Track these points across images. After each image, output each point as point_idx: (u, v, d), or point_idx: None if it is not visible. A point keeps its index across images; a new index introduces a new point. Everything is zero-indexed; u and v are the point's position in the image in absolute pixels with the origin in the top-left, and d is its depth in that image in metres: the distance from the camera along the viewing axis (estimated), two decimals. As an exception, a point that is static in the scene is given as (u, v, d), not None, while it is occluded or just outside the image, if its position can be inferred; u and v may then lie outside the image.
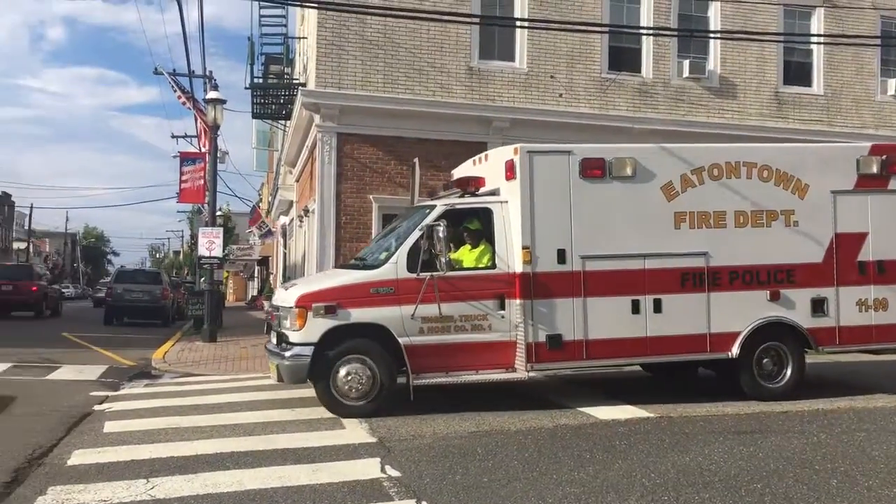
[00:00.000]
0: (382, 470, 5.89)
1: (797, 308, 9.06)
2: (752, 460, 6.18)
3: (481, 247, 8.71)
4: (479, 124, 15.55)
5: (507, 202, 8.69)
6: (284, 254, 28.58)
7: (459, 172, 10.24)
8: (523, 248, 8.43)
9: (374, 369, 8.06)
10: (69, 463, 6.13)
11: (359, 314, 8.10)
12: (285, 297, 8.55)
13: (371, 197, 15.20)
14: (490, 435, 7.20)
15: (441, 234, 8.08)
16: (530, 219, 8.47)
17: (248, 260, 41.21)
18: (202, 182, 22.24)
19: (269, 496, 5.23)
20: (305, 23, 19.10)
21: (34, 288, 27.42)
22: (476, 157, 9.93)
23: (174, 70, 27.07)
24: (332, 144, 15.15)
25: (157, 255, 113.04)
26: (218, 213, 20.60)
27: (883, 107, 18.40)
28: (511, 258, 8.50)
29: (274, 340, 8.70)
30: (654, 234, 8.81)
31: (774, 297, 8.99)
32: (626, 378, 10.75)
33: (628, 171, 8.75)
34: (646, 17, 16.81)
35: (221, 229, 18.66)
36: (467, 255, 8.79)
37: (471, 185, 9.28)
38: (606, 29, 16.23)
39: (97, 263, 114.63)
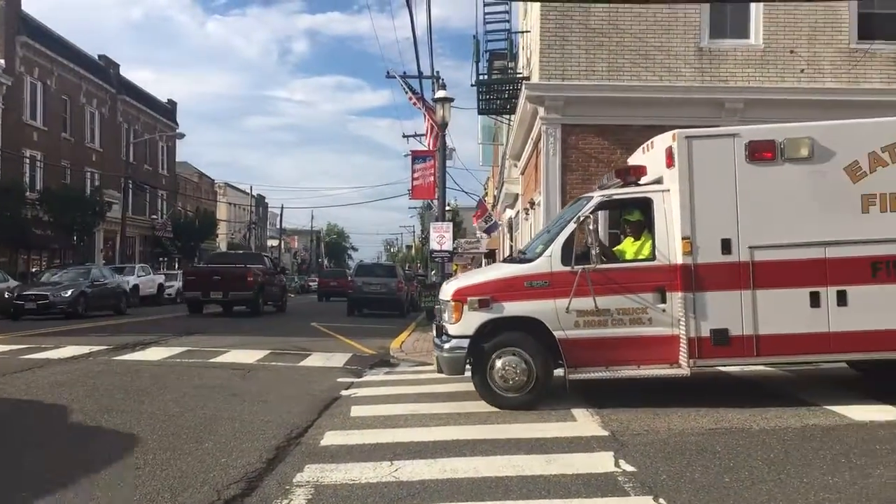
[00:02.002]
0: (616, 464, 5.79)
1: None
2: None
3: (642, 238, 8.43)
4: (710, 107, 14.78)
5: (668, 191, 8.25)
6: (511, 246, 28.98)
7: (632, 161, 9.84)
8: (683, 238, 7.97)
9: (529, 362, 8.01)
10: (322, 443, 6.60)
11: (512, 307, 8.10)
12: (445, 290, 8.74)
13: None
14: (731, 433, 6.84)
15: (592, 226, 7.90)
16: (690, 208, 8.00)
17: (475, 253, 42.22)
18: (432, 179, 23.25)
19: (505, 484, 5.32)
20: (528, 17, 19.22)
21: (346, 283, 39.89)
22: (644, 145, 9.47)
23: (405, 73, 28.40)
24: (556, 136, 15.14)
25: (392, 250, 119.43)
26: (447, 208, 21.30)
27: None
28: (671, 249, 8.07)
29: (435, 333, 8.90)
30: (837, 219, 7.93)
31: None
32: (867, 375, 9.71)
33: (804, 153, 7.97)
34: (902, -23, 15.13)
35: (451, 223, 19.32)
36: (630, 247, 8.57)
37: (631, 174, 8.85)
38: (856, -6, 14.81)
39: (339, 258, 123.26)
